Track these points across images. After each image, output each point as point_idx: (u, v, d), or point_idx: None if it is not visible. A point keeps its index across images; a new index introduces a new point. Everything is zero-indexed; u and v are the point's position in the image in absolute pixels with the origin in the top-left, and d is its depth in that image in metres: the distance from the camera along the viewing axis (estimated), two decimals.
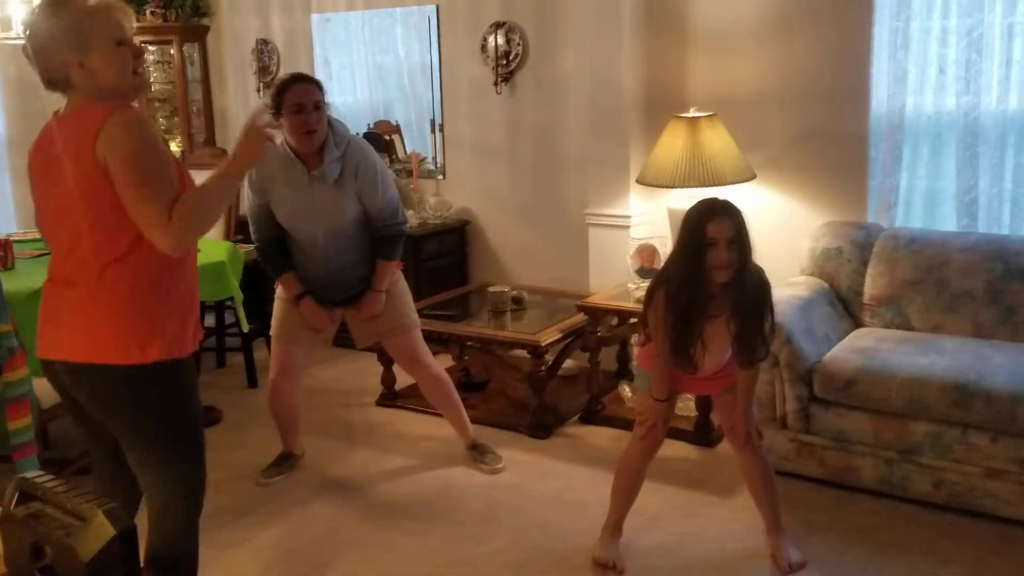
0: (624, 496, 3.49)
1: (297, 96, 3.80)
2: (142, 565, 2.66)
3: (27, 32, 2.49)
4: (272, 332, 4.20)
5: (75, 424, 2.84)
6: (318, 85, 3.89)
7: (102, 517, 1.51)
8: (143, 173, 2.41)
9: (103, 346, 2.50)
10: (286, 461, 4.36)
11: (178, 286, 2.61)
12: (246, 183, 3.90)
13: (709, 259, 3.00)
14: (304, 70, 6.52)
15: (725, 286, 3.05)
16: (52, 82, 2.51)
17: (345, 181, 3.92)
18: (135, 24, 2.61)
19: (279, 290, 4.16)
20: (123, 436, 2.63)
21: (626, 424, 4.52)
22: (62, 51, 2.43)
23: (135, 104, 2.59)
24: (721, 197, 3.14)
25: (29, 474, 1.66)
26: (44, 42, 2.45)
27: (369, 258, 4.09)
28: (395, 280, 4.18)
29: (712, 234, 3.00)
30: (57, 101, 2.56)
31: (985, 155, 4.39)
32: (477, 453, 4.40)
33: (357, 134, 4.64)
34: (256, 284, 5.57)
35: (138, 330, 2.51)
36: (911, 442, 3.72)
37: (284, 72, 4.01)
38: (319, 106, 3.85)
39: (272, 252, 4.08)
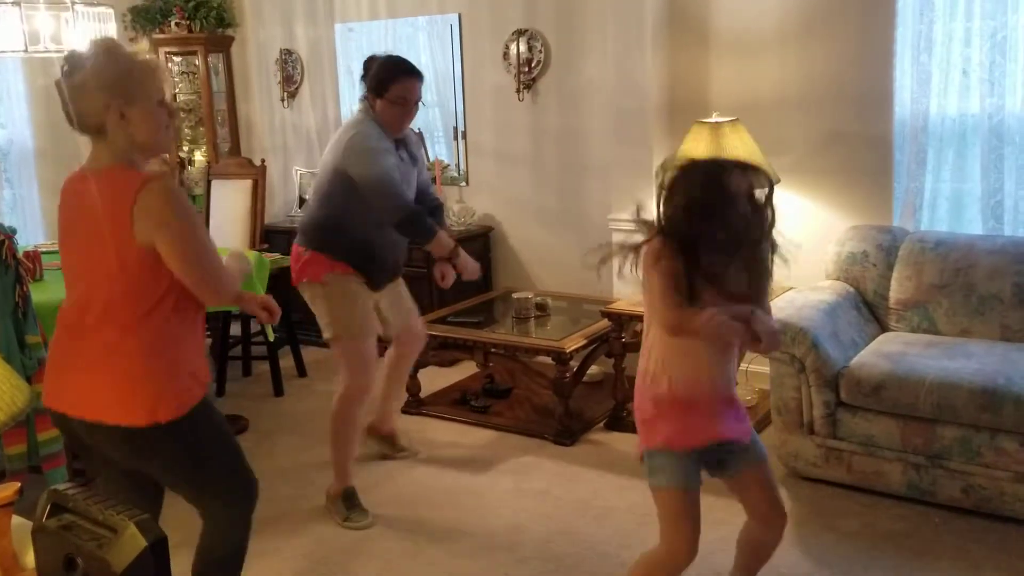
0: None
1: (405, 91, 3.85)
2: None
3: (68, 69, 2.47)
4: (343, 332, 3.92)
5: (82, 458, 2.88)
6: (422, 78, 3.93)
7: (133, 528, 1.52)
8: (195, 245, 2.50)
9: (118, 407, 2.51)
10: (356, 496, 4.03)
11: (195, 340, 2.67)
12: (374, 142, 3.80)
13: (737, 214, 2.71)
14: (327, 80, 6.59)
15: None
16: (84, 125, 2.49)
17: (413, 154, 4.04)
18: (173, 86, 2.65)
19: (331, 288, 3.91)
20: (159, 480, 2.72)
21: None
22: (106, 96, 2.43)
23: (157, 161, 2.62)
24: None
25: (61, 486, 1.67)
26: (89, 83, 2.44)
27: None
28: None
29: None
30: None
31: (1011, 157, 4.37)
32: (388, 444, 4.54)
33: None
34: (282, 293, 5.59)
35: (153, 392, 2.53)
36: (939, 447, 3.69)
37: (386, 55, 4.00)
38: (418, 101, 3.93)
39: (423, 211, 3.97)
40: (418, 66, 3.95)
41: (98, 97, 2.43)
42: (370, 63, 3.95)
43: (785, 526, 2.96)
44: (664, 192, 2.75)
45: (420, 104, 3.96)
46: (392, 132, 3.89)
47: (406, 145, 4.01)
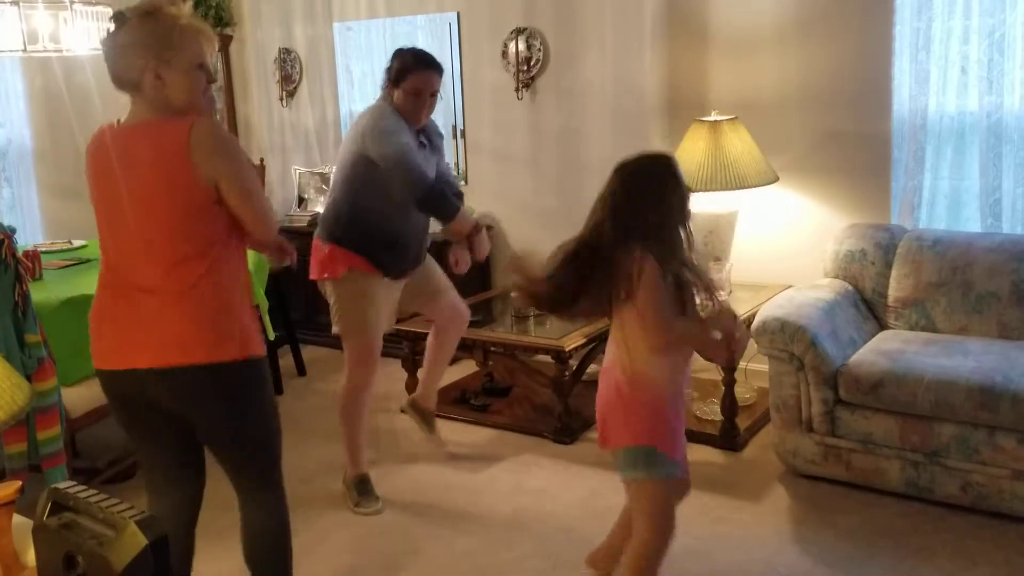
0: None
1: (420, 83, 3.84)
2: (244, 560, 2.76)
3: (112, 28, 2.52)
4: (352, 330, 3.97)
5: (130, 434, 2.82)
6: (441, 71, 3.92)
7: (134, 527, 1.52)
8: (250, 177, 2.57)
9: (202, 346, 2.54)
10: (369, 483, 4.13)
11: (244, 283, 2.72)
12: (389, 124, 3.81)
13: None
14: (326, 79, 6.58)
15: None
16: (121, 82, 2.54)
17: (434, 143, 4.06)
18: (216, 49, 2.65)
19: (348, 285, 3.91)
20: (217, 434, 2.70)
21: None
22: (143, 57, 2.47)
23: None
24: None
25: (61, 484, 1.67)
26: (128, 43, 2.48)
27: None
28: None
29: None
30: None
31: (1009, 155, 4.37)
32: (424, 419, 4.55)
33: None
34: (281, 293, 5.61)
35: (241, 327, 2.61)
36: (937, 444, 3.70)
37: (410, 48, 4.01)
38: (435, 94, 3.91)
39: (444, 187, 3.98)
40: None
41: (136, 58, 2.48)
42: (395, 55, 3.95)
43: None
44: (631, 197, 2.81)
45: (438, 97, 3.96)
46: (410, 123, 3.90)
47: (427, 134, 4.02)
